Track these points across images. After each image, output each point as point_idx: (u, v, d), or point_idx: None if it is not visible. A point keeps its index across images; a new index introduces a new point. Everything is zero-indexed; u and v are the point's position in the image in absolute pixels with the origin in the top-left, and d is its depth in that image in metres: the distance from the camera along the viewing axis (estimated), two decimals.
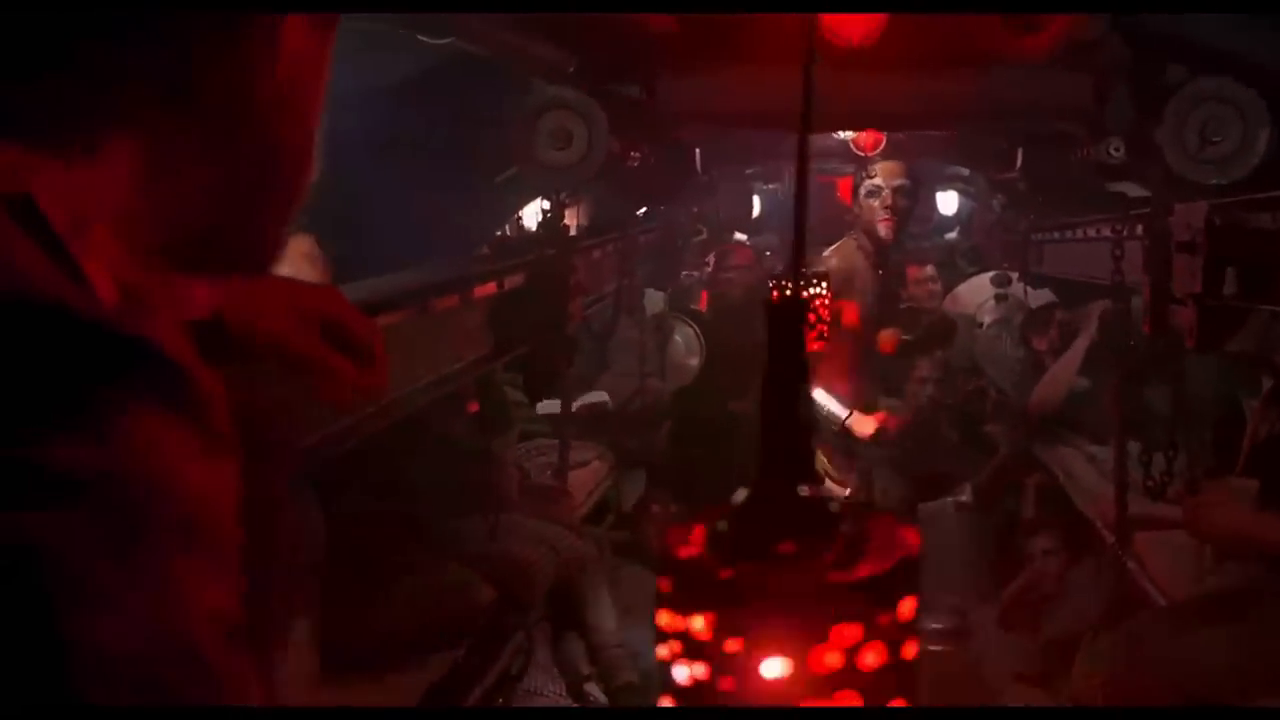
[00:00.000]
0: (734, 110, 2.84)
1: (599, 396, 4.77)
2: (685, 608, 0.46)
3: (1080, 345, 4.37)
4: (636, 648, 3.54)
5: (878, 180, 3.93)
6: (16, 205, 0.45)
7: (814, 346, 4.53)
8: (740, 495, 0.50)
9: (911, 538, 0.49)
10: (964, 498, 4.78)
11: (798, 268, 0.74)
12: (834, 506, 0.51)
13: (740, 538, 0.48)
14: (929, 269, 5.61)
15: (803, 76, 0.58)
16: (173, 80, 0.52)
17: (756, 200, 6.87)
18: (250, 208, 0.58)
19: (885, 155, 4.86)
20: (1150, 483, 2.80)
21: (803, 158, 0.64)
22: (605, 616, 3.53)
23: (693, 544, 0.48)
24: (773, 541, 0.48)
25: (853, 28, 2.17)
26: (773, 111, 2.64)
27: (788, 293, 0.63)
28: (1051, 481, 4.24)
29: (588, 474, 4.20)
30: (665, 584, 0.47)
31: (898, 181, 3.92)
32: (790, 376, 0.52)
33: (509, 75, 2.80)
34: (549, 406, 4.07)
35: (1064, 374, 4.36)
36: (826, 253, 3.98)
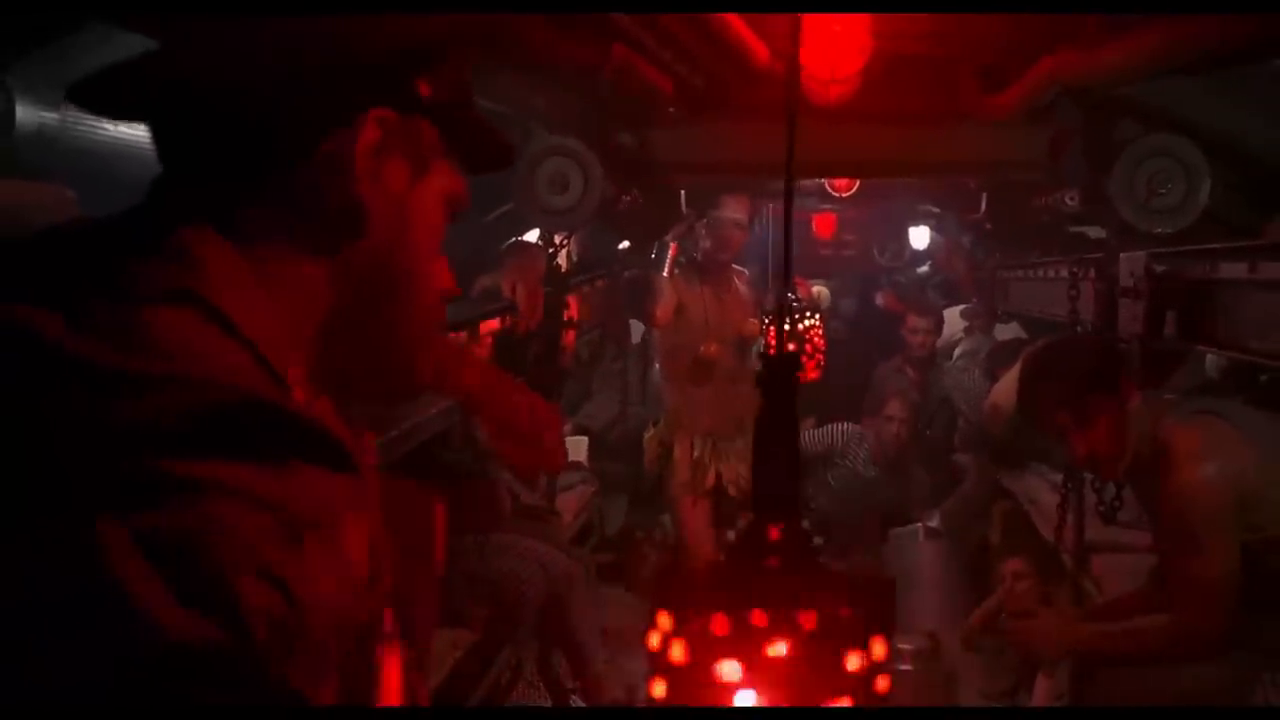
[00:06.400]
0: (719, 160, 3.04)
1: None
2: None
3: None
4: (620, 665, 3.69)
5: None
6: (231, 328, 0.65)
7: (812, 376, 4.72)
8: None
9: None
10: (933, 524, 4.93)
11: (783, 304, 0.89)
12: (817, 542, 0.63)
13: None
14: (929, 320, 5.61)
15: (786, 126, 0.74)
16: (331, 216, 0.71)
17: None
18: (379, 332, 0.76)
19: (858, 195, 5.07)
20: (1102, 507, 2.96)
21: (788, 198, 0.80)
22: (591, 634, 3.68)
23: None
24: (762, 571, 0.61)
25: (831, 88, 2.37)
26: (753, 161, 2.86)
27: (785, 345, 0.77)
28: (1018, 508, 4.41)
29: (573, 497, 4.38)
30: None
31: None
32: (781, 428, 0.64)
33: (508, 122, 2.98)
34: None
35: (1012, 381, 4.53)
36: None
